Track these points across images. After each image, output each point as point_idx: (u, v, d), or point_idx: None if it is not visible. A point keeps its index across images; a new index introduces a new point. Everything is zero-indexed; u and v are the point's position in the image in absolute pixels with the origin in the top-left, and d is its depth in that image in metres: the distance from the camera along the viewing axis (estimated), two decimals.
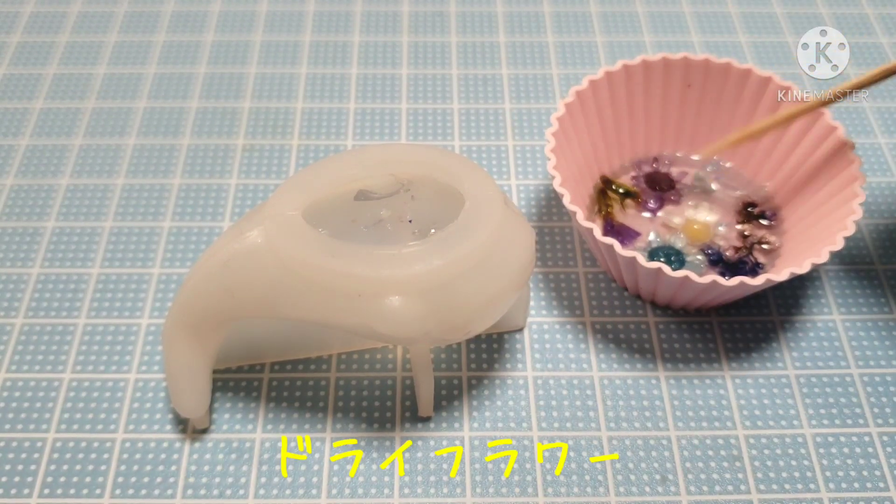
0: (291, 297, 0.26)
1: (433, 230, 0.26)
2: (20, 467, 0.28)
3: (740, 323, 0.32)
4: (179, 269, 0.33)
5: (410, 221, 0.26)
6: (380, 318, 0.25)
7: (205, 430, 0.29)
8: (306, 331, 0.29)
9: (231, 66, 0.41)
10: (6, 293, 0.32)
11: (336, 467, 0.28)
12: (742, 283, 0.28)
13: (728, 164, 0.35)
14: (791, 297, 0.33)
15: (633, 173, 0.35)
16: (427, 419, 0.29)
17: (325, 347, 0.31)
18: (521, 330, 0.32)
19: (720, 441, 0.29)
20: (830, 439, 0.29)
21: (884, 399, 0.30)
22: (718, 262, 0.32)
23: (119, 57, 0.41)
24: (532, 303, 0.32)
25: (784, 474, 0.28)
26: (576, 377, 0.30)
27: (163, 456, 0.28)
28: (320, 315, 0.26)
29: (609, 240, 0.28)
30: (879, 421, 0.29)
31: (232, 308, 0.27)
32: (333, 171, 0.27)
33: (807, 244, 0.30)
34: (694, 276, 0.28)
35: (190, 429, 0.29)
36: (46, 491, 0.28)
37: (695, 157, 0.35)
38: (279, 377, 0.30)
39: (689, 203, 0.34)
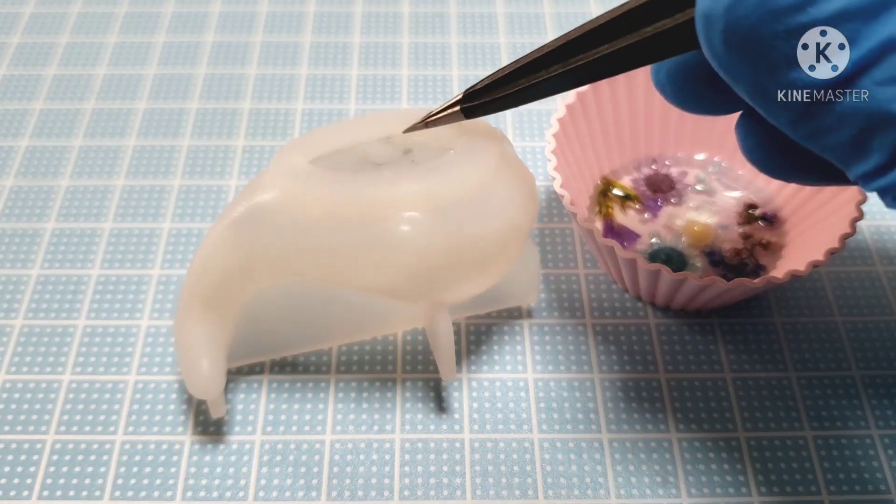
0: (307, 246, 0.26)
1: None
2: (19, 469, 0.28)
3: (741, 324, 0.32)
4: (179, 271, 0.33)
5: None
6: (397, 245, 0.25)
7: (220, 422, 0.29)
8: (311, 321, 0.29)
9: (231, 67, 0.41)
10: (6, 294, 0.32)
11: (336, 469, 0.28)
12: (743, 285, 0.28)
13: (727, 165, 0.35)
14: (792, 298, 0.33)
15: (633, 174, 0.35)
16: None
17: (330, 338, 0.31)
18: (530, 309, 0.32)
19: (721, 443, 0.29)
20: (832, 441, 0.29)
21: (885, 401, 0.30)
22: (719, 263, 0.32)
23: (119, 58, 0.41)
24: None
25: (785, 476, 0.28)
26: (576, 378, 0.30)
27: (162, 458, 0.28)
28: (338, 263, 0.26)
29: (610, 241, 0.28)
30: (881, 423, 0.29)
31: (249, 271, 0.27)
32: (334, 135, 0.27)
33: (808, 245, 0.30)
34: (695, 278, 0.28)
35: (190, 430, 0.29)
36: (46, 493, 0.27)
37: (697, 158, 0.35)
38: (279, 378, 0.30)
39: (691, 204, 0.34)
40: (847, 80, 0.17)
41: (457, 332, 0.31)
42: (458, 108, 0.25)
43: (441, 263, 0.25)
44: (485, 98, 0.24)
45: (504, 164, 0.26)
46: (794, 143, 0.19)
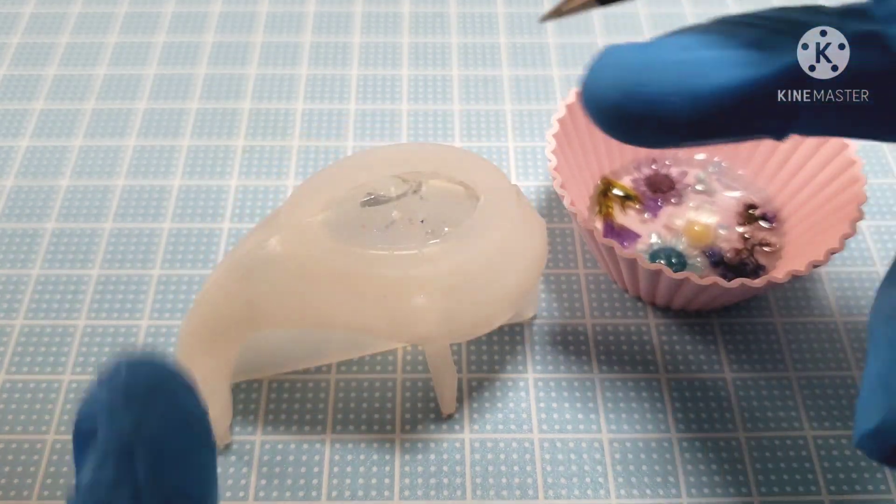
0: (314, 304, 0.26)
1: (446, 228, 0.26)
2: (20, 469, 0.28)
3: (741, 324, 0.32)
4: (179, 271, 0.33)
5: (423, 222, 0.27)
6: (406, 319, 0.25)
7: (227, 447, 0.29)
8: (309, 342, 0.30)
9: (231, 67, 0.41)
10: (6, 294, 0.32)
11: (336, 469, 0.28)
12: (743, 285, 0.28)
13: (727, 165, 0.35)
14: (792, 298, 0.33)
15: (633, 174, 0.35)
16: (438, 418, 0.29)
17: (330, 355, 0.31)
18: (532, 319, 0.32)
19: (721, 443, 0.29)
20: (832, 441, 0.29)
21: None
22: (719, 263, 0.32)
23: (119, 58, 0.41)
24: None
25: (785, 476, 0.28)
26: (576, 379, 0.30)
27: None
28: (345, 320, 0.26)
29: (610, 241, 0.28)
30: None
31: (253, 319, 0.27)
32: (344, 176, 0.27)
33: (808, 246, 0.30)
34: (695, 278, 0.28)
35: None
36: (46, 493, 0.27)
37: (697, 158, 0.35)
38: (279, 379, 0.30)
39: (691, 205, 0.34)
40: None
41: None
42: None
43: (451, 326, 0.26)
44: None
45: (518, 226, 0.26)
46: None
